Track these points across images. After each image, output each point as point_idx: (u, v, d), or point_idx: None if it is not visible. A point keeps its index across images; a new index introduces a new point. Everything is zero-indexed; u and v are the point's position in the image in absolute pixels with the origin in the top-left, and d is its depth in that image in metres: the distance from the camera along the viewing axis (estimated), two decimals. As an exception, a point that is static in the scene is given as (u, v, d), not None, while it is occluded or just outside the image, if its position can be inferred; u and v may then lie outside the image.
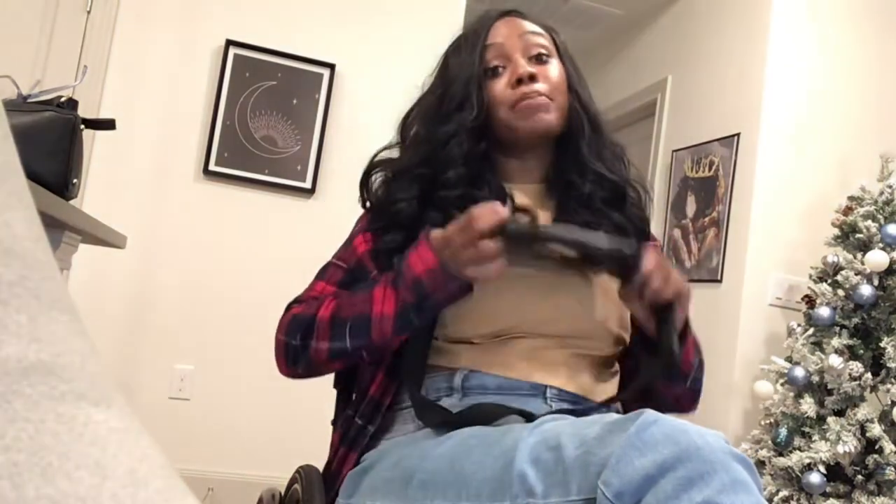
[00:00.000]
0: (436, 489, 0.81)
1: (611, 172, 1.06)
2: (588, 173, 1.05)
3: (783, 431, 2.40)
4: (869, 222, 2.43)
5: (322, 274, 1.10)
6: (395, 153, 1.12)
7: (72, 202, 1.31)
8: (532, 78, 1.01)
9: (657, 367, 0.94)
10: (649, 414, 0.73)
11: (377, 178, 1.10)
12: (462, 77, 1.04)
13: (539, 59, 1.05)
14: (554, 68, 1.05)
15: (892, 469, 2.19)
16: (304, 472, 1.05)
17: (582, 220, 1.01)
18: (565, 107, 1.05)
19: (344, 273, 1.06)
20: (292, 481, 1.07)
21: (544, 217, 1.05)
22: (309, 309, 1.01)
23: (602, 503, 0.68)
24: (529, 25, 1.08)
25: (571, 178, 1.05)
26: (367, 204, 1.10)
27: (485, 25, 1.07)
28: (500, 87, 1.03)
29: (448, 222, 0.92)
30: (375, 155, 1.11)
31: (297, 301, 1.09)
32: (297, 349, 0.99)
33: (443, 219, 0.95)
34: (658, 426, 0.71)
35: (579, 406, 0.95)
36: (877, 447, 2.24)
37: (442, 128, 1.03)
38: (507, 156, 1.08)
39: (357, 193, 1.12)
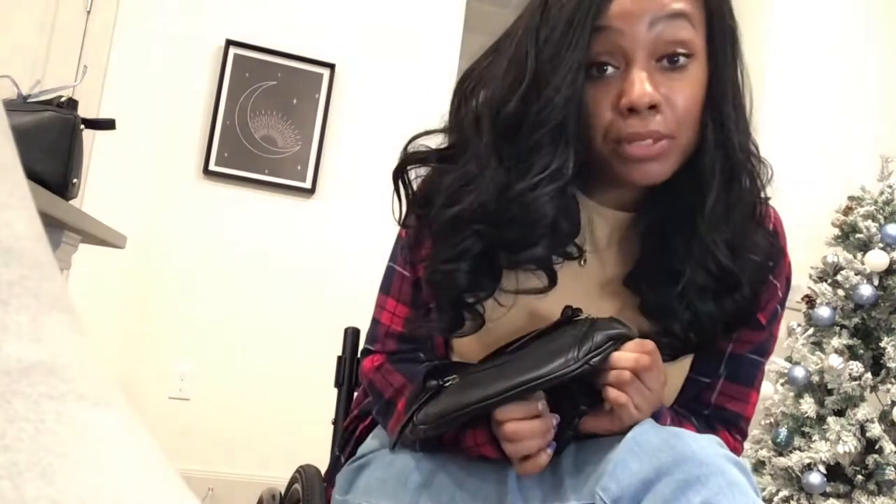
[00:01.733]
0: (430, 492, 0.81)
1: (731, 255, 0.75)
2: (694, 246, 0.75)
3: (783, 431, 2.40)
4: (869, 222, 2.43)
5: (388, 287, 0.91)
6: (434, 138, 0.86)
7: (72, 202, 1.31)
8: (653, 107, 0.70)
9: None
10: (644, 421, 0.74)
11: (416, 179, 0.85)
12: (559, 89, 0.70)
13: (672, 63, 0.71)
14: (689, 83, 0.72)
15: (892, 469, 2.19)
16: (304, 472, 1.05)
17: (664, 309, 0.79)
18: (690, 140, 0.74)
19: (412, 286, 0.88)
20: (292, 481, 1.07)
21: (613, 263, 0.83)
22: (385, 385, 0.88)
23: None
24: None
25: (672, 241, 0.77)
26: (406, 214, 0.86)
27: None
28: (605, 104, 0.72)
29: (496, 287, 0.78)
30: (408, 145, 0.85)
31: (371, 340, 0.94)
32: (376, 413, 0.93)
33: (493, 289, 0.79)
34: (654, 433, 0.71)
35: None
36: (877, 447, 2.24)
37: (521, 180, 0.73)
38: (595, 174, 0.80)
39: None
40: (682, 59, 0.72)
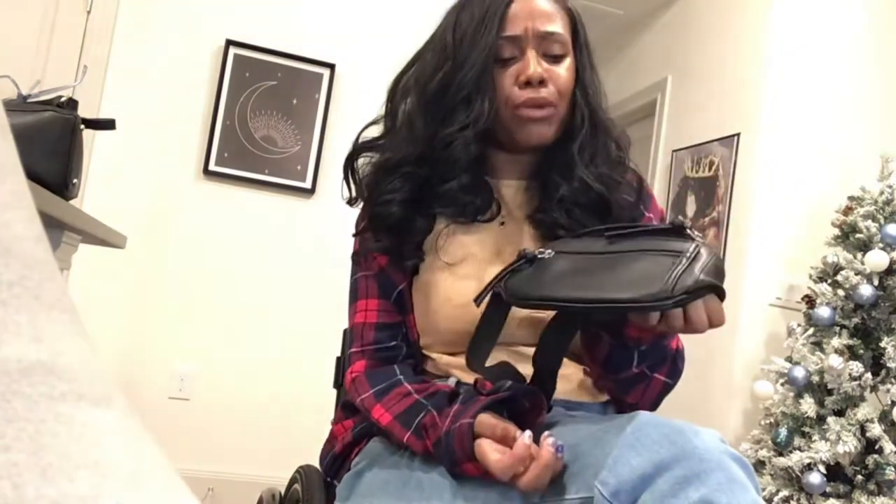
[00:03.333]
0: (432, 490, 0.81)
1: (598, 180, 0.98)
2: (573, 178, 0.98)
3: (783, 431, 2.40)
4: (869, 222, 2.43)
5: (355, 294, 1.04)
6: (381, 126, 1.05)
7: (72, 202, 1.31)
8: (542, 82, 0.95)
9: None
10: (644, 414, 0.74)
11: (364, 164, 1.03)
12: (474, 65, 0.93)
13: (553, 57, 0.97)
14: (566, 68, 0.98)
15: (892, 469, 2.19)
16: (304, 472, 1.05)
17: (557, 223, 0.97)
18: (566, 111, 0.99)
19: (376, 281, 1.02)
20: (292, 481, 1.07)
21: (522, 215, 1.02)
22: (363, 388, 0.96)
23: (599, 503, 0.69)
24: (547, 8, 0.97)
25: (554, 178, 0.99)
26: (354, 194, 1.04)
27: (500, 4, 0.95)
28: (508, 82, 0.96)
29: (431, 229, 0.97)
30: (359, 135, 1.04)
31: (350, 344, 1.03)
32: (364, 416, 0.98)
33: (428, 227, 0.97)
34: (654, 426, 0.71)
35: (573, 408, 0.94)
36: (877, 447, 2.24)
37: (446, 128, 0.94)
38: (497, 149, 1.02)
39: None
40: (559, 55, 0.98)
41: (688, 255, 0.76)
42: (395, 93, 1.03)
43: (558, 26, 0.97)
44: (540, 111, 0.95)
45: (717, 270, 0.76)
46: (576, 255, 0.85)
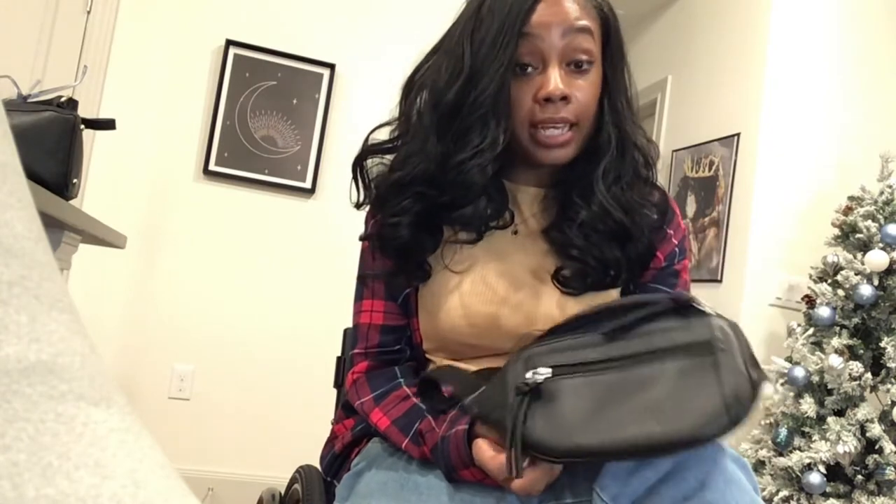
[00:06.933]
0: (429, 493, 0.81)
1: (619, 207, 0.91)
2: (594, 203, 0.92)
3: (783, 431, 2.40)
4: (869, 222, 2.43)
5: (361, 294, 1.01)
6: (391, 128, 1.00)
7: (72, 202, 1.31)
8: (564, 98, 0.87)
9: None
10: None
11: (374, 165, 0.98)
12: (492, 81, 0.86)
13: (577, 67, 0.89)
14: (590, 81, 0.90)
15: (892, 469, 2.19)
16: (304, 472, 1.05)
17: (572, 243, 0.92)
18: (589, 128, 0.92)
19: (383, 282, 0.99)
20: (292, 481, 1.07)
21: (537, 227, 0.97)
22: (363, 391, 0.96)
23: None
24: (575, 12, 0.88)
25: (574, 199, 0.93)
26: (363, 198, 0.99)
27: (523, 7, 0.86)
28: (526, 96, 0.88)
29: (438, 245, 0.92)
30: (368, 136, 1.00)
31: (354, 344, 1.01)
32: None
33: (435, 245, 0.93)
34: None
35: None
36: (877, 447, 2.24)
37: (458, 151, 0.88)
38: (516, 162, 0.96)
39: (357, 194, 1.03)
40: (585, 65, 0.89)
41: (720, 346, 0.66)
42: (409, 93, 0.97)
43: (586, 33, 0.88)
44: (558, 137, 0.89)
45: (751, 350, 0.67)
46: (581, 376, 0.72)
